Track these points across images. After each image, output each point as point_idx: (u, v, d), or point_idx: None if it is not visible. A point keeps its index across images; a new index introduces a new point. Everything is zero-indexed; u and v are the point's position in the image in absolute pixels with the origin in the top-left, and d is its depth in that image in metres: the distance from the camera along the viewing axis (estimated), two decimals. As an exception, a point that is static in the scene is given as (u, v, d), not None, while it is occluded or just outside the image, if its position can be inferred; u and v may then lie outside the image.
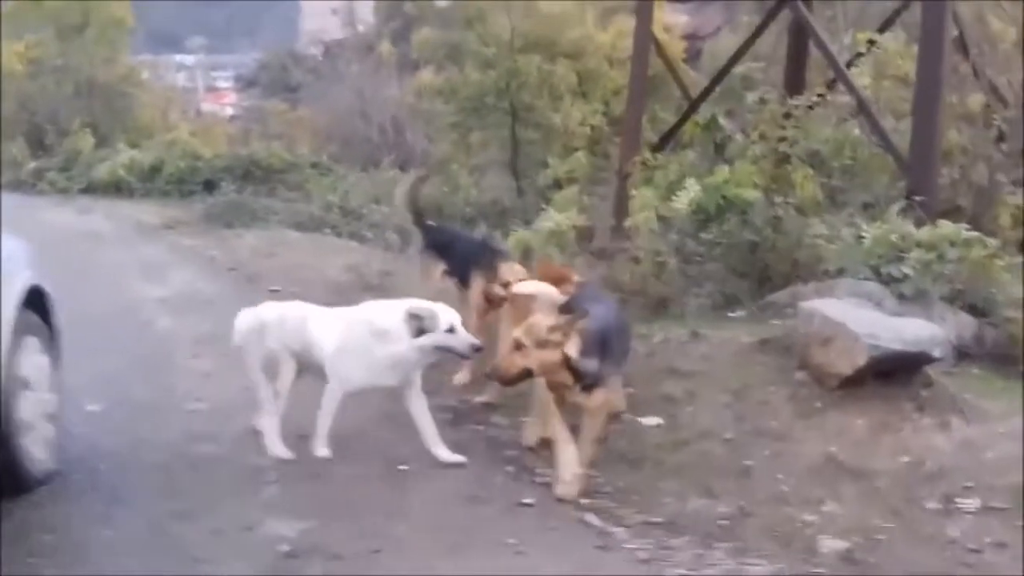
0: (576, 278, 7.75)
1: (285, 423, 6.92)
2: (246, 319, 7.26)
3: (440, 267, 9.37)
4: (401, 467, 6.67)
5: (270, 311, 7.27)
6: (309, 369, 7.00)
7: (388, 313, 6.76)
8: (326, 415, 6.79)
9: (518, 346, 6.03)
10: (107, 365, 9.10)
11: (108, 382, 8.60)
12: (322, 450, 6.74)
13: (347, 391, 6.82)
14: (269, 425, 6.91)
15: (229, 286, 13.22)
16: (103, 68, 35.62)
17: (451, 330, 6.59)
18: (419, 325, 6.55)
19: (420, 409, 6.82)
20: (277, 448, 6.83)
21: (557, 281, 7.45)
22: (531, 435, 7.03)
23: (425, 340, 6.57)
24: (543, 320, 6.07)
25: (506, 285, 7.79)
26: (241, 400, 8.00)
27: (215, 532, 5.76)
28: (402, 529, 5.80)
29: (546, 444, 6.68)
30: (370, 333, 6.72)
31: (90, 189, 26.33)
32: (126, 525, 5.88)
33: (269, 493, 6.36)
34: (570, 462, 6.20)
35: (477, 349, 6.76)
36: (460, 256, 9.12)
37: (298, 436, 7.06)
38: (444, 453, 6.75)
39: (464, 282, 8.87)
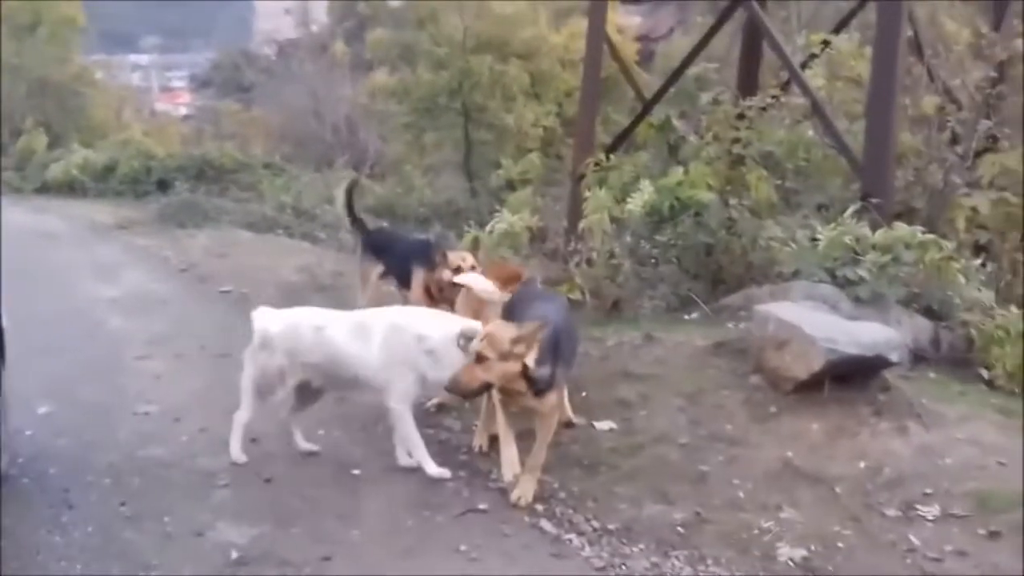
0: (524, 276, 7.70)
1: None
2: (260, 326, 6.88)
3: (377, 269, 9.41)
4: (354, 471, 6.60)
5: (275, 322, 6.88)
6: (333, 382, 6.80)
7: (435, 329, 6.50)
8: (413, 438, 6.58)
9: (480, 359, 5.88)
10: (58, 366, 9.04)
11: (59, 384, 8.52)
12: (434, 469, 6.49)
13: (411, 404, 6.59)
14: (239, 427, 6.79)
15: (181, 286, 13.16)
16: (56, 68, 35.63)
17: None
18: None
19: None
20: (236, 452, 6.72)
21: (508, 280, 7.40)
22: (481, 439, 6.96)
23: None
24: (505, 331, 5.93)
25: (456, 270, 7.84)
26: (191, 402, 8.06)
27: (165, 537, 5.73)
28: (354, 535, 5.75)
29: (495, 447, 6.61)
30: (419, 348, 6.44)
31: (44, 189, 26.46)
32: (75, 530, 5.82)
33: (220, 497, 6.30)
34: (512, 462, 6.16)
35: None
36: (400, 255, 9.14)
37: (250, 440, 7.01)
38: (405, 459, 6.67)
39: (404, 282, 8.89)
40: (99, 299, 12.18)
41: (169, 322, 10.89)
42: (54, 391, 8.29)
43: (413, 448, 6.52)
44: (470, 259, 8.17)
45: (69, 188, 25.67)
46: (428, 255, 8.54)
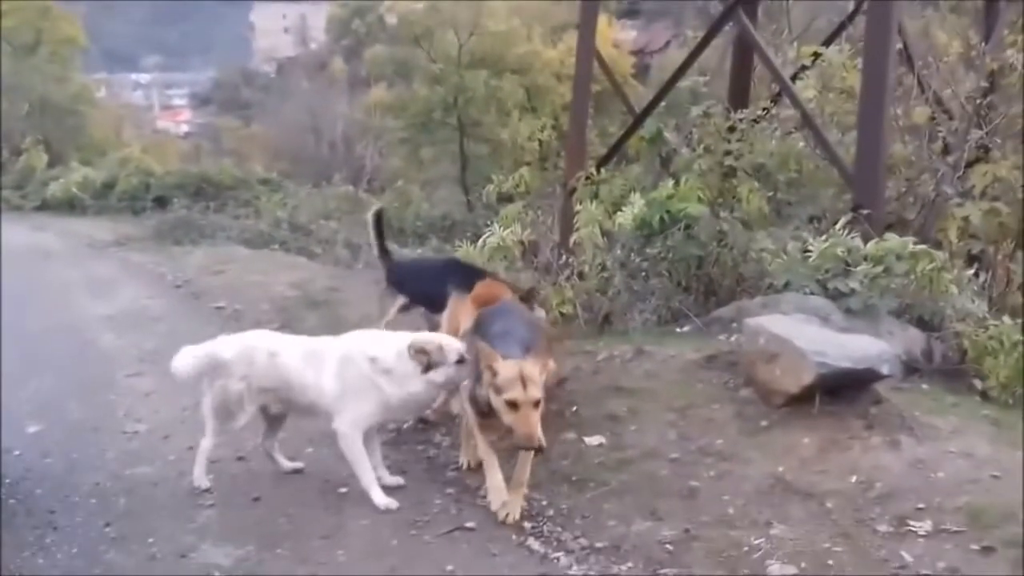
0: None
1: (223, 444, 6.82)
2: (195, 357, 6.72)
3: (398, 302, 9.27)
4: (341, 489, 6.56)
5: (228, 347, 6.71)
6: (289, 406, 6.72)
7: (388, 348, 6.42)
8: (361, 465, 6.44)
9: (536, 402, 5.74)
10: (48, 385, 9.08)
11: (48, 402, 8.56)
12: (382, 499, 6.36)
13: (362, 431, 6.46)
14: (203, 453, 6.69)
15: (176, 303, 13.24)
16: (55, 87, 35.82)
17: (460, 361, 6.31)
18: (427, 360, 6.28)
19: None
20: (199, 477, 6.66)
21: (491, 300, 7.34)
22: (468, 456, 6.91)
23: (436, 375, 6.31)
24: (535, 369, 5.81)
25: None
26: (181, 420, 8.03)
27: (149, 559, 5.72)
28: (340, 555, 5.70)
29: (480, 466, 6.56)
30: (375, 371, 6.35)
31: (44, 207, 26.75)
32: (59, 552, 5.82)
33: (206, 517, 6.27)
34: (499, 488, 6.12)
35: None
36: (429, 282, 8.95)
37: (236, 458, 7.07)
38: (386, 477, 6.63)
39: (435, 308, 8.63)
40: (92, 316, 12.22)
41: (162, 339, 10.77)
42: (43, 410, 8.31)
43: (360, 474, 6.41)
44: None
45: (69, 206, 25.94)
46: (464, 280, 8.34)
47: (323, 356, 6.54)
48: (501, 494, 6.09)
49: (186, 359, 6.65)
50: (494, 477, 6.15)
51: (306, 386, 6.48)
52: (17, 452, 7.34)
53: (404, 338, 6.45)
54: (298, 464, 6.95)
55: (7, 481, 6.74)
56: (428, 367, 6.26)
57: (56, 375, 9.41)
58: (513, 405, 5.70)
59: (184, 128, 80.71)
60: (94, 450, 7.46)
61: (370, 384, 6.35)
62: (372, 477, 6.41)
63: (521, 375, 5.73)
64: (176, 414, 8.20)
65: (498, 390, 5.73)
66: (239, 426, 6.64)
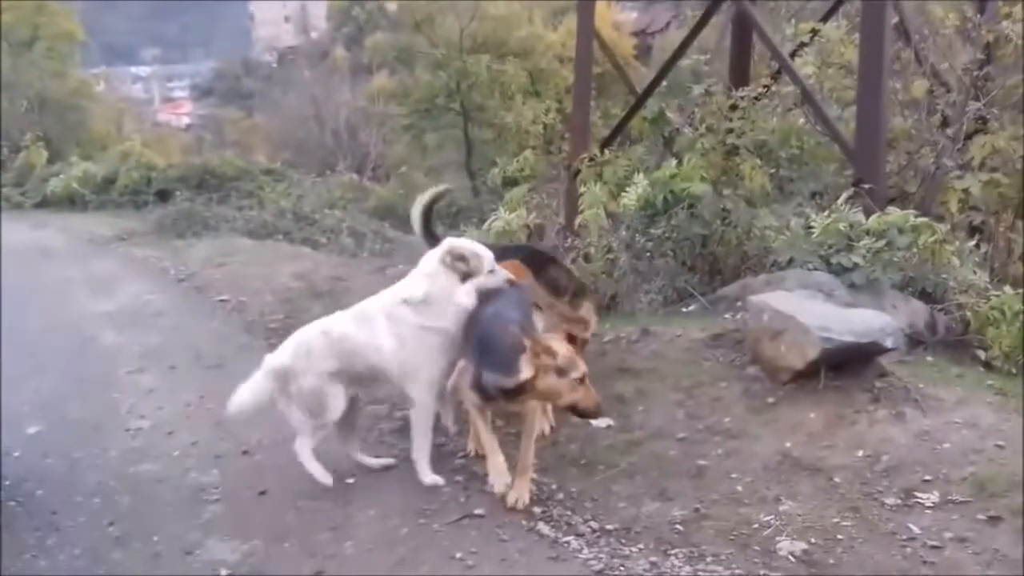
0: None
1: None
2: (252, 389, 6.40)
3: None
4: (348, 480, 6.50)
5: (280, 355, 6.46)
6: (364, 384, 6.53)
7: (415, 283, 6.33)
8: (426, 437, 6.44)
9: (544, 368, 5.71)
10: (48, 384, 8.98)
11: (49, 402, 8.47)
12: (430, 476, 6.37)
13: (437, 393, 6.45)
14: (307, 454, 6.43)
15: (178, 297, 13.08)
16: (54, 82, 35.67)
17: (492, 270, 6.32)
18: (466, 268, 6.24)
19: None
20: (322, 475, 6.38)
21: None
22: (476, 443, 6.82)
23: (472, 286, 6.24)
24: (565, 348, 5.83)
25: None
26: (184, 415, 8.01)
27: (153, 557, 5.68)
28: (348, 547, 5.67)
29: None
30: (416, 313, 6.25)
31: (44, 203, 26.50)
32: (61, 553, 5.77)
33: (211, 513, 6.23)
34: (501, 471, 6.11)
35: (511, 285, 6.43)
36: None
37: (241, 452, 7.08)
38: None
39: None
40: (93, 313, 12.08)
41: (164, 334, 10.81)
42: (44, 410, 8.24)
43: (421, 446, 6.42)
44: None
45: (69, 202, 25.69)
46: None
47: (371, 315, 6.39)
48: (504, 476, 6.08)
49: (244, 395, 6.39)
50: (495, 460, 6.13)
51: (366, 349, 6.29)
52: (17, 453, 7.27)
53: (424, 272, 6.36)
54: (388, 460, 6.77)
55: (7, 483, 6.67)
56: (466, 276, 6.23)
57: (56, 374, 9.34)
58: (581, 380, 5.76)
59: (185, 120, 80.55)
60: (96, 449, 7.39)
61: (423, 334, 6.24)
62: (428, 451, 6.41)
63: (573, 353, 5.81)
64: (180, 409, 8.17)
65: (561, 372, 5.72)
66: (335, 417, 6.40)
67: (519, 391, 5.81)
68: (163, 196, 23.46)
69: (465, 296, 6.23)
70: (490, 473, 6.13)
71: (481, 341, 5.97)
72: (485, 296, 6.35)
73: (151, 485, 6.70)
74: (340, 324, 6.46)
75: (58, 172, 27.69)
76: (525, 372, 5.67)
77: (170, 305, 12.45)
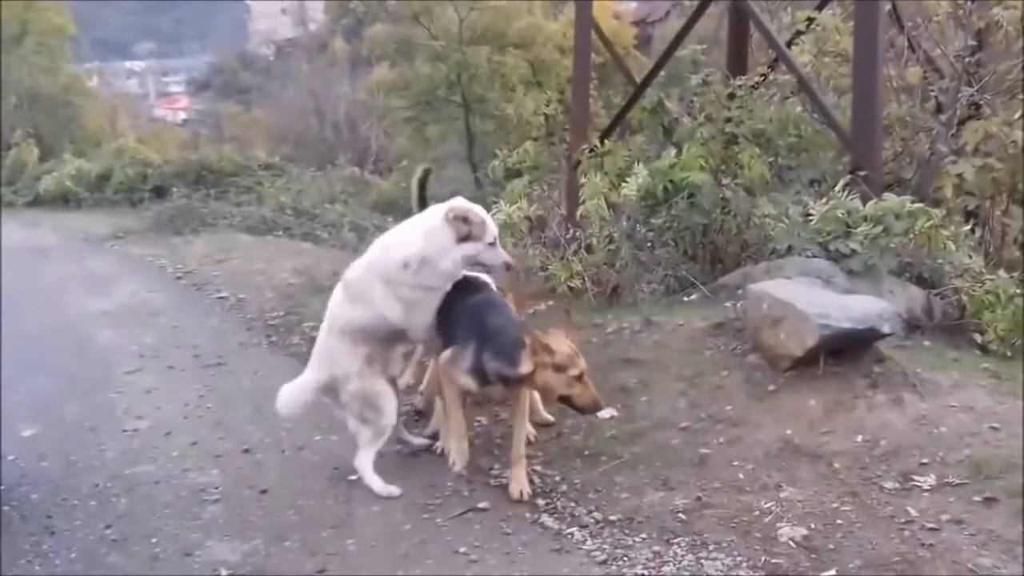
0: None
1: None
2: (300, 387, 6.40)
3: None
4: (351, 477, 6.48)
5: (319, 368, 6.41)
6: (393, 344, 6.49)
7: (409, 242, 6.17)
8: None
9: (542, 364, 5.83)
10: (44, 386, 8.95)
11: (45, 404, 8.43)
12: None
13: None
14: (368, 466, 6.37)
15: (177, 295, 13.05)
16: (45, 78, 35.34)
17: (493, 243, 6.20)
18: (468, 231, 6.09)
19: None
20: (382, 487, 6.28)
21: None
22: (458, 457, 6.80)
23: (469, 248, 6.11)
24: (565, 345, 5.90)
25: None
26: (183, 415, 7.98)
27: (152, 559, 5.65)
28: (350, 544, 5.67)
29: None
30: (416, 275, 6.11)
31: (37, 202, 26.32)
32: (57, 558, 5.74)
33: (211, 513, 6.19)
34: (463, 452, 6.40)
35: (508, 268, 6.39)
36: None
37: (242, 450, 7.07)
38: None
39: None
40: (90, 313, 12.03)
41: (162, 333, 10.79)
42: (39, 412, 8.20)
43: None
44: None
45: (63, 200, 25.54)
46: None
47: (365, 288, 6.25)
48: (464, 456, 6.39)
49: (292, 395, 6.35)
50: (462, 444, 6.42)
51: (370, 323, 6.23)
52: (12, 457, 7.20)
53: (422, 228, 6.21)
54: (424, 440, 6.85)
55: (1, 488, 6.61)
56: (465, 238, 6.09)
57: (52, 375, 9.30)
58: (579, 378, 5.83)
59: (182, 115, 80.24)
60: (93, 451, 7.34)
61: (419, 291, 6.20)
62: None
63: (574, 349, 5.89)
64: (179, 409, 8.15)
65: (560, 368, 5.80)
66: (393, 419, 6.40)
67: (518, 382, 5.92)
68: (159, 193, 23.36)
69: (457, 260, 6.14)
70: (451, 453, 6.38)
71: (486, 328, 6.01)
72: (472, 286, 6.40)
73: (149, 486, 6.66)
74: (335, 308, 6.41)
75: (50, 170, 27.52)
76: (526, 366, 5.76)
77: (168, 303, 12.42)
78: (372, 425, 6.28)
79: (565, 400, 5.95)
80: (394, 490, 6.17)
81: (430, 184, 8.63)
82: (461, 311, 6.22)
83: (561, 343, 5.87)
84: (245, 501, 6.30)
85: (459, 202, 6.21)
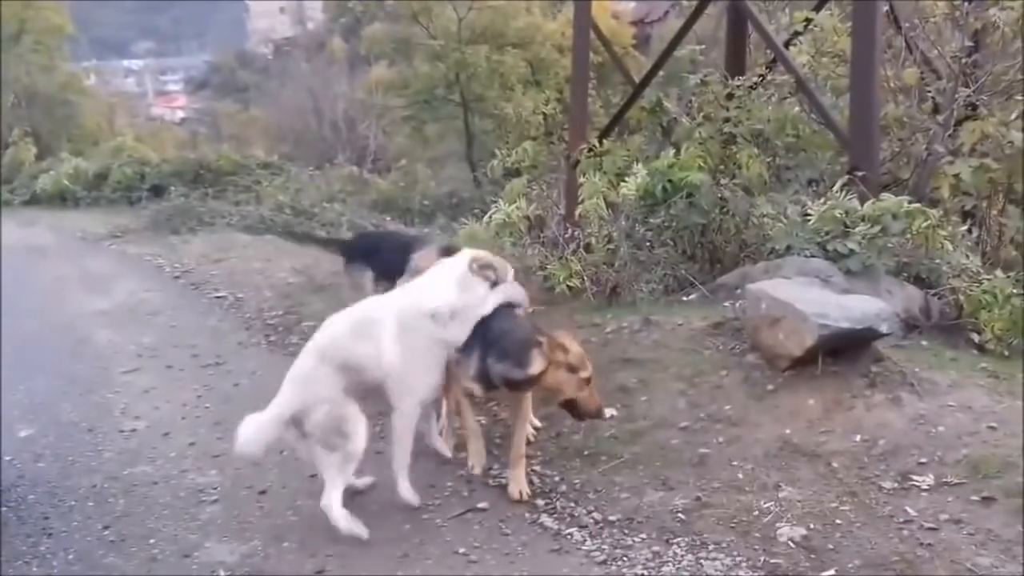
0: None
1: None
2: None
3: (369, 275, 8.47)
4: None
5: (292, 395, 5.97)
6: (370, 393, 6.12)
7: (440, 293, 6.07)
8: (407, 449, 6.14)
9: (557, 364, 5.84)
10: (41, 386, 8.94)
11: (42, 404, 8.44)
12: (412, 493, 6.14)
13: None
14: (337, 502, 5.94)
15: (174, 295, 13.01)
16: (42, 76, 35.17)
17: (513, 280, 6.33)
18: (495, 275, 6.15)
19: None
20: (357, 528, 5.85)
21: None
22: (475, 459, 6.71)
23: (500, 293, 6.16)
24: (576, 346, 5.97)
25: None
26: (181, 415, 7.98)
27: (150, 560, 5.66)
28: (348, 545, 5.68)
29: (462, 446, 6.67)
30: (439, 326, 5.99)
31: (34, 201, 26.06)
32: (54, 559, 5.74)
33: (209, 514, 6.20)
34: (481, 454, 6.41)
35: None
36: (391, 254, 8.23)
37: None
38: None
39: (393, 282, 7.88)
40: (87, 312, 12.01)
41: (160, 332, 10.78)
42: (36, 412, 8.22)
43: (401, 458, 6.14)
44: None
45: (60, 199, 25.31)
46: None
47: (375, 322, 6.03)
48: (482, 458, 6.39)
49: (251, 433, 5.83)
50: (479, 443, 6.44)
51: (367, 362, 5.93)
52: (8, 457, 7.20)
53: (469, 254, 6.25)
54: (367, 480, 6.40)
55: None
56: (495, 283, 6.14)
57: (49, 375, 9.28)
58: (587, 381, 5.88)
59: (180, 114, 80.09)
60: (90, 451, 7.35)
61: (436, 346, 6.05)
62: (408, 464, 6.14)
63: (584, 353, 5.92)
64: (177, 409, 8.16)
65: (573, 369, 5.84)
66: (363, 445, 5.96)
67: (526, 384, 5.89)
68: (157, 192, 23.20)
69: (489, 305, 6.13)
70: (471, 455, 6.35)
71: (490, 333, 6.01)
72: None
73: (147, 487, 6.67)
74: (337, 338, 6.07)
75: (48, 168, 27.31)
76: (537, 366, 5.76)
77: (166, 303, 12.39)
78: (339, 452, 5.84)
79: (569, 404, 5.97)
80: (362, 531, 5.76)
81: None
82: None
83: (575, 344, 5.91)
84: (244, 502, 6.31)
85: (474, 253, 6.26)
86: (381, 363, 5.93)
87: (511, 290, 6.27)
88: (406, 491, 6.10)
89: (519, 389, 6.04)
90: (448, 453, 6.72)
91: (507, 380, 5.91)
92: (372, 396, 6.08)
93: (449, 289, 6.08)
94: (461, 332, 6.05)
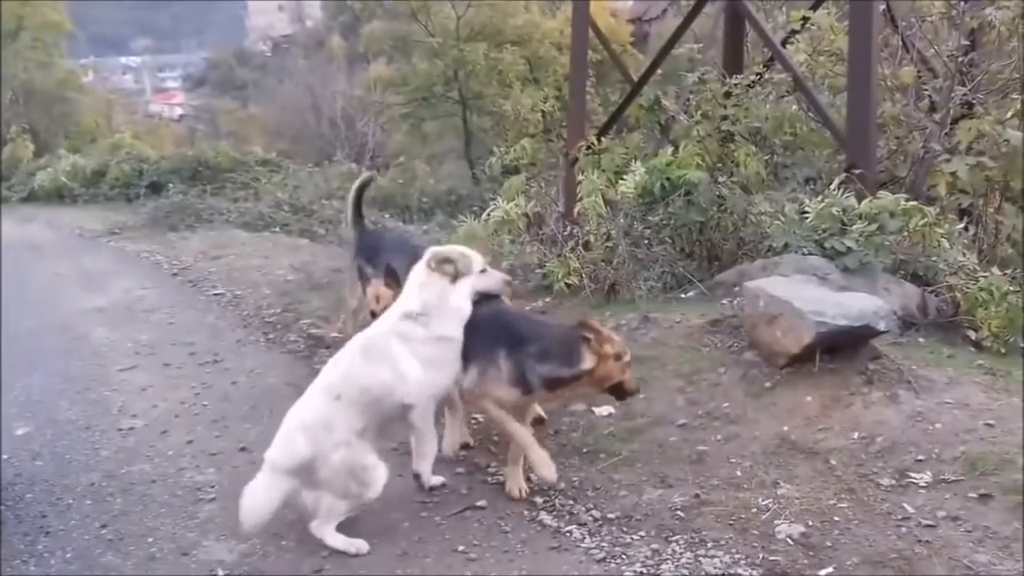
0: None
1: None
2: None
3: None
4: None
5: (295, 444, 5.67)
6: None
7: (411, 297, 5.92)
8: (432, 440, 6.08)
9: (604, 356, 5.76)
10: (38, 384, 8.91)
11: (38, 402, 8.42)
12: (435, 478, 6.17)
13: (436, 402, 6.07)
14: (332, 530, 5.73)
15: (172, 292, 12.99)
16: (40, 73, 35.16)
17: (483, 270, 6.10)
18: (454, 269, 5.93)
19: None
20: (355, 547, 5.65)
21: None
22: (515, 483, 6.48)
23: (464, 285, 5.97)
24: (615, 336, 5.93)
25: None
26: (179, 413, 7.95)
27: (148, 559, 5.62)
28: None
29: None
30: (417, 325, 5.82)
31: (31, 198, 26.11)
32: (52, 558, 5.71)
33: (208, 513, 6.16)
34: (547, 462, 6.03)
35: (508, 284, 6.34)
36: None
37: (239, 448, 7.05)
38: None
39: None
40: (84, 310, 11.99)
41: (158, 330, 10.77)
42: (33, 411, 8.19)
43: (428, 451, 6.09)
44: None
45: (58, 196, 25.36)
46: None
47: (380, 343, 5.87)
48: (550, 466, 6.00)
49: (257, 503, 5.55)
50: (539, 452, 6.01)
51: (391, 384, 5.77)
52: (6, 456, 7.16)
53: (414, 282, 6.01)
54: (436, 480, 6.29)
55: None
56: (455, 276, 5.93)
57: (46, 373, 9.24)
58: (629, 365, 5.88)
59: (178, 111, 79.94)
60: (88, 450, 7.30)
61: (435, 344, 5.85)
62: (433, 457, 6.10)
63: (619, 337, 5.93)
64: (174, 407, 8.12)
65: (619, 356, 5.79)
66: (379, 491, 5.72)
67: (575, 380, 5.85)
68: (155, 189, 23.18)
69: (460, 299, 5.96)
70: (536, 467, 6.00)
71: (520, 335, 5.94)
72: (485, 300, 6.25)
73: (145, 485, 6.63)
74: (351, 372, 5.84)
75: (45, 165, 27.37)
76: (588, 361, 5.73)
77: (164, 300, 12.37)
78: (352, 500, 5.65)
79: (615, 387, 5.90)
80: (362, 546, 5.59)
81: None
82: (476, 328, 6.05)
83: (609, 331, 5.91)
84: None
85: (435, 248, 6.12)
86: (402, 381, 5.77)
87: (483, 281, 6.10)
88: (432, 479, 6.15)
89: (564, 387, 5.95)
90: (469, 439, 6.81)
91: (553, 379, 5.85)
92: (390, 429, 6.02)
93: (412, 294, 5.97)
94: (442, 327, 5.90)
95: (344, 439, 5.57)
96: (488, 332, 6.01)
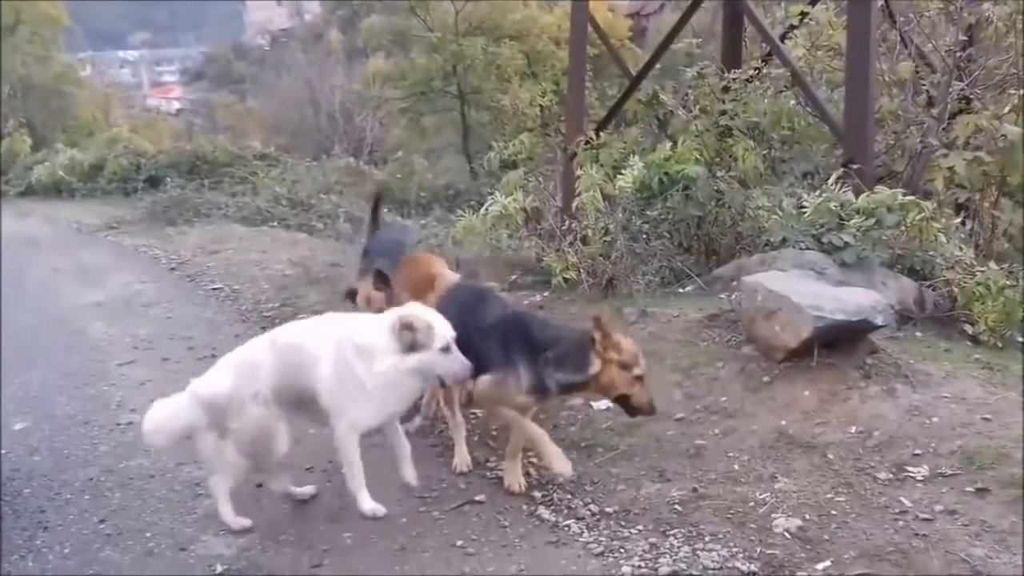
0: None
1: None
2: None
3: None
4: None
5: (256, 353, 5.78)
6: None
7: (373, 326, 5.64)
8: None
9: (621, 365, 5.75)
10: (36, 379, 8.90)
11: (37, 397, 8.41)
12: (372, 504, 5.77)
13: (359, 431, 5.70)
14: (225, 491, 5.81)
15: (170, 286, 12.99)
16: (37, 67, 35.17)
17: (446, 349, 5.52)
18: (412, 338, 5.46)
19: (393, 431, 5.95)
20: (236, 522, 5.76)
21: (420, 284, 6.94)
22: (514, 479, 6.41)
23: (414, 360, 5.47)
24: (632, 344, 5.88)
25: None
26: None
27: (146, 554, 5.61)
28: (346, 538, 5.64)
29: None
30: (354, 353, 5.52)
31: (29, 192, 26.16)
32: (50, 553, 5.70)
33: (206, 508, 6.09)
34: (560, 456, 5.98)
35: (464, 375, 5.73)
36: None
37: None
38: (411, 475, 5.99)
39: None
40: (82, 305, 11.98)
41: (156, 325, 10.77)
42: (31, 406, 8.18)
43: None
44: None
45: (55, 190, 25.44)
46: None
47: (327, 333, 5.72)
48: (565, 460, 5.93)
49: (163, 417, 5.73)
50: (551, 448, 5.96)
51: (310, 363, 5.61)
52: (4, 451, 7.16)
53: (381, 325, 5.62)
54: (310, 489, 6.22)
55: None
56: (411, 347, 5.46)
57: (44, 368, 9.24)
58: (639, 379, 5.79)
59: (176, 105, 79.83)
60: (86, 445, 7.29)
61: (351, 372, 5.54)
62: (362, 480, 5.78)
63: (637, 349, 5.84)
64: (173, 403, 8.14)
65: (626, 367, 5.74)
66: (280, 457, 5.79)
67: (584, 386, 5.85)
68: (153, 183, 23.19)
69: (393, 371, 5.50)
70: (552, 462, 5.94)
71: (535, 341, 5.89)
72: (483, 304, 6.17)
73: (143, 480, 6.62)
74: (288, 334, 5.90)
75: (43, 160, 27.38)
76: (595, 367, 5.71)
77: (162, 295, 12.36)
78: (250, 463, 5.69)
79: (621, 399, 5.88)
80: (246, 523, 5.70)
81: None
82: (487, 334, 5.96)
83: (628, 341, 5.86)
84: (240, 495, 6.12)
85: (410, 310, 5.67)
86: (317, 375, 5.62)
87: (439, 362, 5.56)
88: (367, 503, 5.81)
89: (575, 392, 6.01)
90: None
91: (567, 385, 5.86)
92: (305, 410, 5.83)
93: (373, 330, 5.61)
94: (366, 369, 5.51)
95: (263, 391, 5.54)
96: (503, 338, 5.93)
